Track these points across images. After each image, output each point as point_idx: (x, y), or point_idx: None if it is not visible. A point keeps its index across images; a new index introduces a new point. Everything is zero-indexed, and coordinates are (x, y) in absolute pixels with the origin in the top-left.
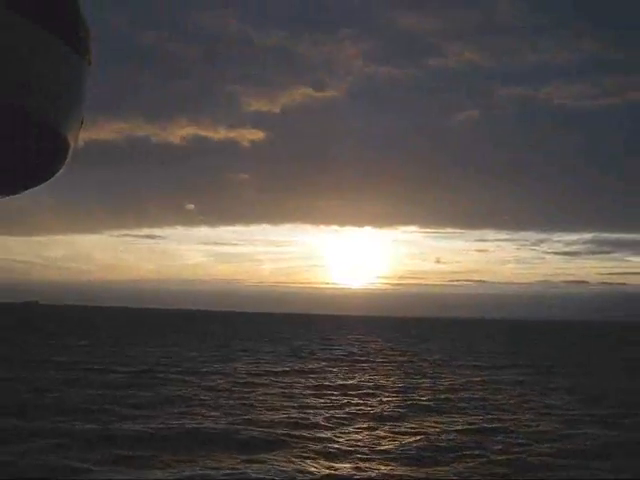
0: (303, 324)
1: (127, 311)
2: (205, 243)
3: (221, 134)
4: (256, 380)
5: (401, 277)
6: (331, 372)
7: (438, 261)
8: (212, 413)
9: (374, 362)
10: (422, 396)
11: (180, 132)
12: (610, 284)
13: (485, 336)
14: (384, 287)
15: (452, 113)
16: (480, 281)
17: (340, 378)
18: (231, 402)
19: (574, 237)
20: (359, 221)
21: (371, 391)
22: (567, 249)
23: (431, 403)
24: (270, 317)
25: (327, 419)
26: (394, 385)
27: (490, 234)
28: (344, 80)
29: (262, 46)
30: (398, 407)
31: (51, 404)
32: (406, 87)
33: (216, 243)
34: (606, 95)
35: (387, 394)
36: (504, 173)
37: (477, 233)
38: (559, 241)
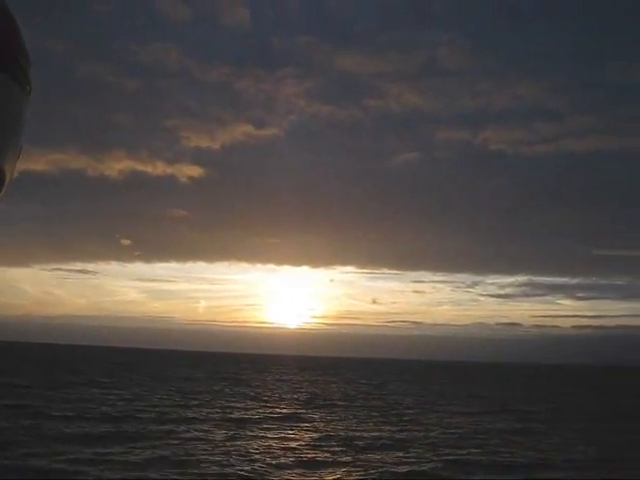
0: (248, 363)
1: (60, 348)
2: (140, 279)
3: (159, 169)
4: (240, 430)
5: (337, 317)
6: (312, 419)
7: (374, 302)
8: (225, 471)
9: (347, 406)
10: (435, 448)
11: (117, 166)
12: (543, 327)
13: (433, 378)
14: (320, 327)
15: (391, 155)
16: (416, 322)
17: (326, 427)
18: (232, 459)
19: (508, 280)
20: (296, 260)
21: (370, 442)
22: (501, 292)
23: (454, 457)
24: (209, 356)
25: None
26: (392, 435)
27: (427, 275)
28: (285, 118)
29: (203, 81)
30: (420, 462)
31: (20, 465)
32: (347, 127)
33: (151, 280)
34: (543, 141)
35: (392, 446)
36: (441, 216)
37: (413, 274)
38: (493, 284)
